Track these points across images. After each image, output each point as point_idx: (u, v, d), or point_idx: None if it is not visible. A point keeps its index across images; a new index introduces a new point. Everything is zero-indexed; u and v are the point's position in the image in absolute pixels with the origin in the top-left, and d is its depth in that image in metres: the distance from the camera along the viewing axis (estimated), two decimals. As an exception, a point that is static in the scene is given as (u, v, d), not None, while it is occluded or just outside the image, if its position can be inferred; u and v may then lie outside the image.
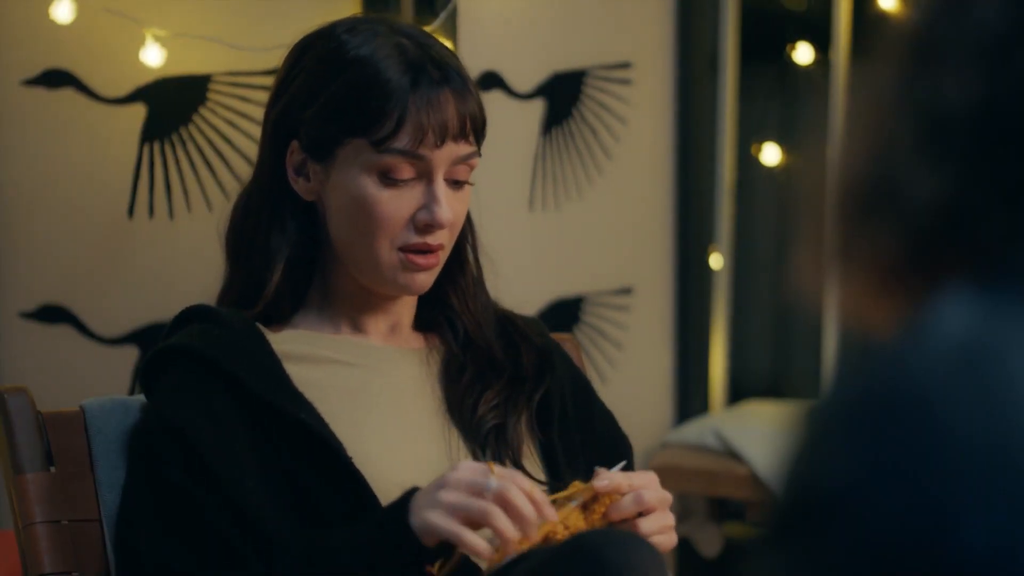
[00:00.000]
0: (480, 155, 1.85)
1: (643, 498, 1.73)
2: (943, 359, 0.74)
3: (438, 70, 1.80)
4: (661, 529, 1.75)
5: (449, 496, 1.64)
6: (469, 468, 1.67)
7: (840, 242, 0.82)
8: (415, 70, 1.79)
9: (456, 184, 1.83)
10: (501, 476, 1.65)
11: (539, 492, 1.68)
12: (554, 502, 1.70)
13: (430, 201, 1.81)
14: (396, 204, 1.81)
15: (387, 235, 1.81)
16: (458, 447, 1.84)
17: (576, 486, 1.72)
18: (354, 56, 1.81)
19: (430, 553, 1.66)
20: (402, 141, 1.78)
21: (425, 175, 1.81)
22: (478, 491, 1.64)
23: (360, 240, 1.82)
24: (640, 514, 1.74)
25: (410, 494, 1.68)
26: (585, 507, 1.72)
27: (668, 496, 1.78)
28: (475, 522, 1.63)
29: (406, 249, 1.81)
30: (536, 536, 1.65)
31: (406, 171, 1.80)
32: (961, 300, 0.76)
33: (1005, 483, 0.71)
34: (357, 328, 1.90)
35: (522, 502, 1.64)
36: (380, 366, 1.88)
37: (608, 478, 1.72)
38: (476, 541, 1.63)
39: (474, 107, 1.82)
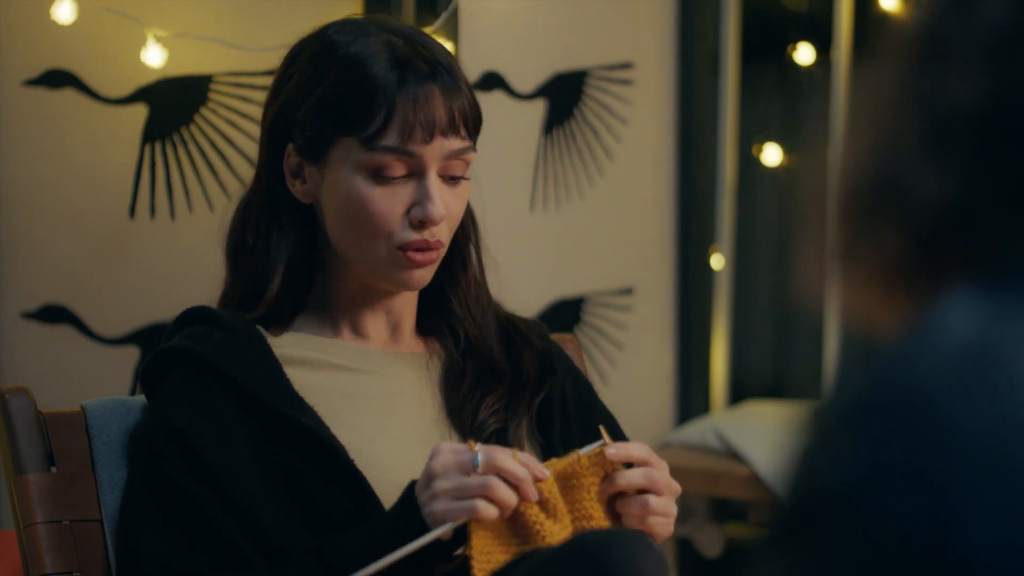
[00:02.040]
0: (475, 150, 1.84)
1: (654, 476, 1.74)
2: (948, 359, 0.74)
3: (426, 65, 1.80)
4: (666, 512, 1.75)
5: (444, 484, 1.65)
6: (450, 451, 1.67)
7: (844, 243, 0.82)
8: (402, 66, 1.79)
9: (452, 180, 1.83)
10: (483, 449, 1.66)
11: (523, 454, 1.68)
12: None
13: (423, 197, 1.81)
14: (389, 202, 1.80)
15: (382, 233, 1.81)
16: (458, 452, 1.84)
17: (553, 462, 1.72)
18: (343, 55, 1.81)
19: (448, 548, 1.67)
20: (390, 138, 1.78)
21: (417, 171, 1.81)
22: (467, 469, 1.65)
23: (357, 240, 1.82)
24: (643, 492, 1.74)
25: (411, 491, 1.68)
26: (569, 483, 1.71)
27: (677, 487, 1.78)
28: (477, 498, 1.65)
29: (405, 247, 1.81)
30: (533, 495, 1.66)
31: (397, 168, 1.80)
32: (966, 300, 0.76)
33: (1010, 483, 0.71)
34: (358, 332, 1.90)
35: (512, 464, 1.65)
36: (380, 371, 1.88)
37: (620, 447, 1.72)
38: (488, 507, 1.64)
39: (464, 102, 1.82)
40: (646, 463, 1.74)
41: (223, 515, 1.72)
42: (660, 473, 1.75)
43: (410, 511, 1.67)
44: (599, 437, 1.73)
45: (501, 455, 1.66)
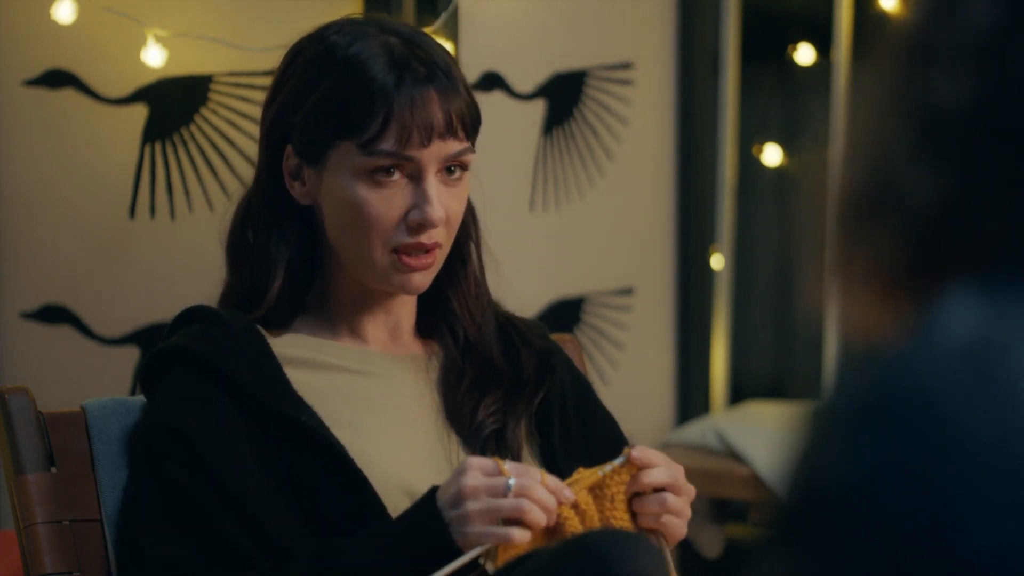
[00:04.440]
0: (474, 151, 1.84)
1: (676, 475, 1.75)
2: (948, 359, 0.74)
3: (424, 67, 1.79)
4: (682, 511, 1.76)
5: (475, 506, 1.64)
6: (480, 468, 1.66)
7: (843, 246, 0.82)
8: (399, 68, 1.79)
9: (450, 177, 1.82)
10: (515, 473, 1.66)
11: (551, 478, 1.68)
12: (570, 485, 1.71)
13: (421, 200, 1.80)
14: (387, 204, 1.80)
15: (379, 236, 1.81)
16: (457, 453, 1.84)
17: (581, 472, 1.72)
18: (341, 57, 1.81)
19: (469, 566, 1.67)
20: (388, 142, 1.78)
21: (415, 175, 1.81)
22: (499, 493, 1.64)
23: (354, 242, 1.82)
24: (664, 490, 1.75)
25: (431, 497, 1.68)
26: (595, 492, 1.71)
27: (693, 489, 1.79)
28: (509, 521, 1.65)
29: (400, 250, 1.81)
30: (552, 518, 1.66)
31: (395, 171, 1.80)
32: (965, 300, 0.76)
33: (1010, 483, 0.71)
34: (357, 334, 1.89)
35: (543, 495, 1.65)
36: (379, 372, 1.87)
37: (643, 451, 1.73)
38: (524, 534, 1.65)
39: (461, 104, 1.81)
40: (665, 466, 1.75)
41: (224, 514, 1.72)
42: (680, 474, 1.76)
43: (433, 523, 1.66)
44: (611, 449, 1.74)
45: (533, 483, 1.65)
